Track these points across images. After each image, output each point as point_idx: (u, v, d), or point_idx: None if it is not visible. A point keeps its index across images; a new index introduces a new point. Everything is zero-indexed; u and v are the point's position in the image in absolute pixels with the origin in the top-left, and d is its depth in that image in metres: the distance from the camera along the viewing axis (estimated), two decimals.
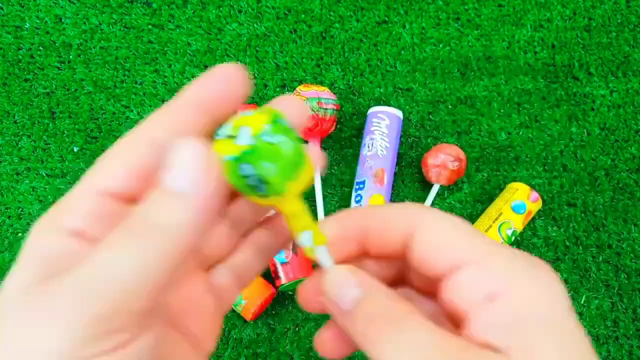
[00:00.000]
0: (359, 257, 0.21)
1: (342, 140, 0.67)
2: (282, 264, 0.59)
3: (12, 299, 0.16)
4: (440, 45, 0.71)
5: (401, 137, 0.67)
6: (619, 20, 0.72)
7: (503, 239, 0.58)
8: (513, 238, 0.58)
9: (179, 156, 0.17)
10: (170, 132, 0.18)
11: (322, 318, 0.60)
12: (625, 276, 0.62)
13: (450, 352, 0.17)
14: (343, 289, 0.19)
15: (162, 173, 0.17)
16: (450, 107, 0.68)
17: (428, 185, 0.64)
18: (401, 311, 0.18)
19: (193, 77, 0.69)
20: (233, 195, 0.22)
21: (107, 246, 0.16)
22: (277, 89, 0.69)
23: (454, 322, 0.19)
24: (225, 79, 0.20)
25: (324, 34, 0.71)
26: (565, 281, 0.61)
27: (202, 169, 0.17)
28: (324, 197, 0.64)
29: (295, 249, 0.59)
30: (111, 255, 0.16)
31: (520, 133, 0.67)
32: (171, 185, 0.17)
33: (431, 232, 0.19)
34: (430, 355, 0.17)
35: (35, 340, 0.15)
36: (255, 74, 0.70)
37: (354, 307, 0.19)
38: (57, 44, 0.70)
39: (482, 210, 0.63)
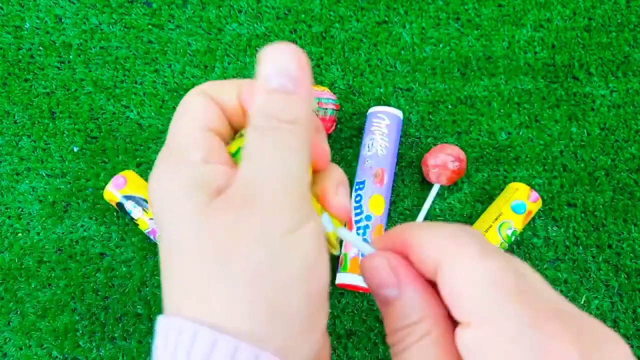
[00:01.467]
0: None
1: (342, 140, 0.67)
2: None
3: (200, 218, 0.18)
4: (440, 45, 0.71)
5: (401, 137, 0.67)
6: (619, 20, 0.72)
7: (503, 239, 0.58)
8: (513, 238, 0.59)
9: (273, 60, 0.20)
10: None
11: None
12: (625, 276, 0.62)
13: None
14: (382, 287, 0.20)
15: (264, 79, 0.20)
16: (450, 107, 0.68)
17: (428, 185, 0.64)
18: (416, 332, 0.19)
19: (193, 77, 0.69)
20: None
21: (253, 152, 0.19)
22: None
23: None
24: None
25: (324, 34, 0.71)
26: (565, 281, 0.62)
27: (298, 66, 0.20)
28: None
29: None
30: (262, 157, 0.19)
31: (520, 133, 0.67)
32: (278, 86, 0.19)
33: (451, 278, 0.18)
34: None
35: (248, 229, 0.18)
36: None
37: (386, 307, 0.20)
38: (57, 44, 0.70)
39: (482, 210, 0.63)
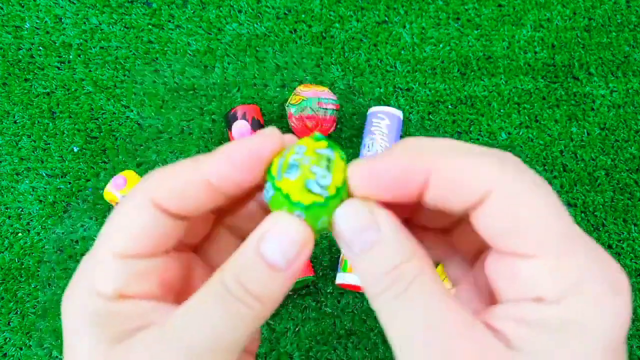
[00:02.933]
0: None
1: (342, 140, 0.67)
2: None
3: None
4: (440, 45, 0.71)
5: (401, 137, 0.67)
6: (619, 20, 0.72)
7: None
8: None
9: (278, 229, 0.18)
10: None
11: (322, 318, 0.60)
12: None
13: (458, 325, 0.16)
14: (357, 231, 0.18)
15: (259, 240, 0.17)
16: (450, 107, 0.68)
17: None
18: (412, 269, 0.17)
19: (193, 77, 0.69)
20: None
21: (200, 304, 0.17)
22: (277, 89, 0.69)
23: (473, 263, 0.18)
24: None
25: (324, 34, 0.71)
26: None
27: (299, 249, 0.17)
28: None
29: None
30: (206, 314, 0.17)
31: (520, 133, 0.67)
32: (268, 256, 0.17)
33: (512, 204, 0.16)
34: (434, 331, 0.16)
35: None
36: (255, 74, 0.70)
37: (365, 251, 0.17)
38: (57, 44, 0.70)
39: None
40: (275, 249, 0.17)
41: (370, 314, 0.60)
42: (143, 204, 0.18)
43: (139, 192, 0.18)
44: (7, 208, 0.64)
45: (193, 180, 0.18)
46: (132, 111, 0.68)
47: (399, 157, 0.17)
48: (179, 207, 0.18)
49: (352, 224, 0.18)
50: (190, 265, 0.21)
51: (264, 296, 0.17)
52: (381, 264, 0.17)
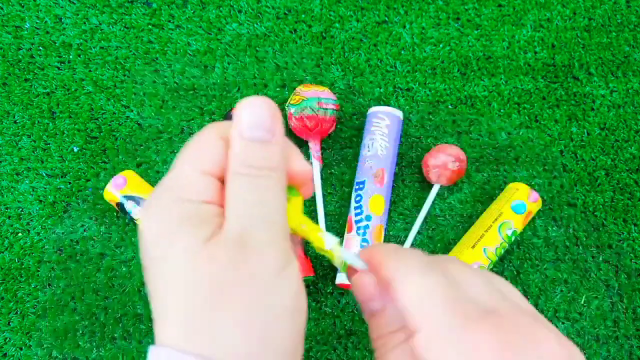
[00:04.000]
0: None
1: (342, 140, 0.67)
2: None
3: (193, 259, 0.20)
4: (440, 45, 0.71)
5: (401, 137, 0.67)
6: (619, 20, 0.72)
7: (503, 238, 0.58)
8: (513, 238, 0.59)
9: (247, 113, 0.22)
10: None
11: (322, 318, 0.60)
12: (625, 276, 0.62)
13: None
14: (369, 300, 0.24)
15: (239, 129, 0.22)
16: (450, 107, 0.68)
17: (428, 186, 0.64)
18: (394, 341, 0.23)
19: (193, 77, 0.69)
20: None
21: (245, 199, 0.21)
22: (277, 89, 0.69)
23: None
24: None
25: (324, 34, 0.71)
26: (565, 281, 0.62)
27: (272, 117, 0.22)
28: (324, 197, 0.64)
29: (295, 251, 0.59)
30: (245, 202, 0.21)
31: (520, 133, 0.67)
32: (252, 137, 0.21)
33: (399, 293, 0.22)
34: None
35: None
36: (255, 74, 0.70)
37: (369, 317, 0.24)
38: (57, 44, 0.70)
39: (482, 210, 0.63)
40: (257, 130, 0.21)
41: None
42: (216, 137, 0.22)
43: (213, 128, 0.23)
44: (7, 208, 0.64)
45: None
46: (132, 111, 0.68)
47: (371, 259, 0.25)
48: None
49: (364, 294, 0.25)
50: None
51: (274, 165, 0.22)
52: (380, 327, 0.25)
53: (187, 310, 0.19)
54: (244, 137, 0.21)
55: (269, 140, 0.22)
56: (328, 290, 0.61)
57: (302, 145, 0.66)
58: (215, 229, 0.20)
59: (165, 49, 0.70)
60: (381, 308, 0.24)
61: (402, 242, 0.63)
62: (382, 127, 0.63)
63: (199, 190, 0.21)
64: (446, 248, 0.63)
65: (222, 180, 0.22)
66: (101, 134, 0.67)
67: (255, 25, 0.72)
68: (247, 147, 0.21)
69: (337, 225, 0.63)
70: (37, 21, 0.71)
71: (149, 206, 0.21)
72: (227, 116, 0.64)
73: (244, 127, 0.21)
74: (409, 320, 0.21)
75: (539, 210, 0.63)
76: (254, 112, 0.22)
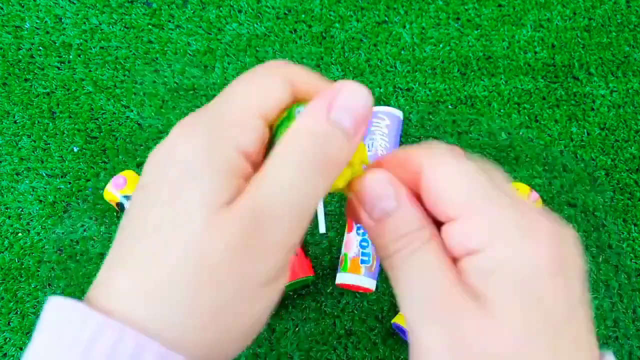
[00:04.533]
0: None
1: None
2: None
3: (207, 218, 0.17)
4: (440, 45, 0.71)
5: (401, 137, 0.67)
6: (619, 20, 0.72)
7: None
8: None
9: (351, 96, 0.19)
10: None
11: (322, 318, 0.60)
12: (625, 276, 0.62)
13: (446, 292, 0.19)
14: (380, 199, 0.20)
15: (329, 108, 0.19)
16: (450, 107, 0.68)
17: None
18: (422, 237, 0.20)
19: (193, 77, 0.69)
20: None
21: (288, 169, 0.18)
22: None
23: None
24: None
25: (324, 34, 0.71)
26: None
27: (367, 116, 0.19)
28: (324, 197, 0.64)
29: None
30: (298, 192, 0.18)
31: (520, 133, 0.67)
32: (341, 121, 0.19)
33: (434, 182, 0.20)
34: (431, 291, 0.19)
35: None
36: None
37: (383, 218, 0.20)
38: (57, 44, 0.70)
39: None
40: (347, 116, 0.19)
41: (370, 314, 0.60)
42: (282, 82, 0.20)
43: (279, 69, 0.20)
44: (7, 208, 0.64)
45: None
46: (132, 111, 0.68)
47: (400, 155, 0.21)
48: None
49: (375, 191, 0.20)
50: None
51: (338, 163, 0.19)
52: (396, 229, 0.20)
53: (168, 282, 0.17)
54: (329, 118, 0.19)
55: (350, 134, 0.19)
56: (328, 290, 0.61)
57: None
58: (234, 194, 0.18)
59: (165, 49, 0.70)
60: (396, 207, 0.20)
61: None
62: (382, 127, 0.63)
63: (248, 140, 0.19)
64: None
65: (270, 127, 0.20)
66: (101, 134, 0.67)
67: (255, 25, 0.72)
68: (329, 129, 0.18)
69: (337, 225, 0.63)
70: (37, 21, 0.71)
71: (185, 125, 0.19)
72: None
73: (337, 105, 0.19)
74: (443, 209, 0.19)
75: None
76: (355, 98, 0.19)
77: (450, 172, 0.19)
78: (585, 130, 0.67)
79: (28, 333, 0.60)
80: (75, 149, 0.66)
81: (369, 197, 0.21)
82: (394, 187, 0.20)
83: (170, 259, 0.17)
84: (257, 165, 0.19)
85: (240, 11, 0.72)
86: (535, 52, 0.70)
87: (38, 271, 0.62)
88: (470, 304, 0.18)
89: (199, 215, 0.17)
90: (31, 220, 0.64)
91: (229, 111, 0.19)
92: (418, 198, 0.21)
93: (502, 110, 0.68)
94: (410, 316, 0.20)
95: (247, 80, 0.20)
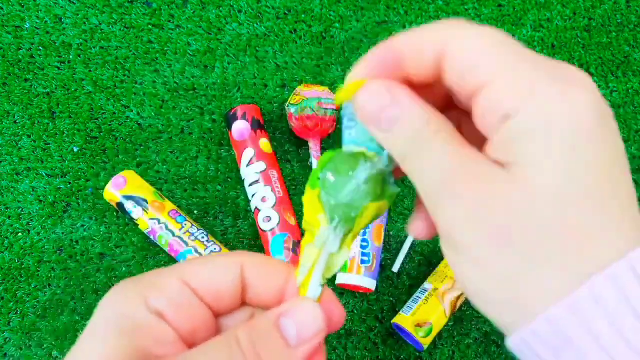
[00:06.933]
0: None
1: (342, 140, 0.67)
2: None
3: None
4: None
5: None
6: (619, 20, 0.72)
7: None
8: None
9: (300, 310, 0.20)
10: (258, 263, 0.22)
11: None
12: None
13: (462, 167, 0.18)
14: (382, 110, 0.20)
15: (280, 314, 0.20)
16: None
17: None
18: (430, 131, 0.19)
19: (193, 77, 0.69)
20: None
21: (209, 349, 0.19)
22: (277, 89, 0.69)
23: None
24: None
25: (324, 34, 0.71)
26: None
27: (314, 333, 0.20)
28: None
29: (295, 249, 0.59)
30: (212, 358, 0.18)
31: None
32: (284, 330, 0.19)
33: (460, 51, 0.19)
34: (446, 169, 0.18)
35: None
36: (255, 74, 0.70)
37: (391, 126, 0.20)
38: (57, 44, 0.70)
39: None
40: (292, 326, 0.20)
41: (370, 314, 0.60)
42: (230, 263, 0.21)
43: (231, 257, 0.21)
44: (7, 208, 0.64)
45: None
46: (132, 111, 0.68)
47: (413, 36, 0.20)
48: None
49: (375, 104, 0.20)
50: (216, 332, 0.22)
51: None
52: (404, 133, 0.19)
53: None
54: (276, 325, 0.20)
55: (290, 346, 0.20)
56: None
57: (302, 145, 0.66)
58: (129, 353, 0.18)
59: (165, 49, 0.70)
60: (400, 112, 0.19)
61: (402, 242, 0.63)
62: None
63: (161, 301, 0.20)
64: None
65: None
66: (101, 134, 0.67)
67: (255, 25, 0.72)
68: (270, 331, 0.20)
69: None
70: (37, 21, 0.71)
71: (112, 291, 0.20)
72: (227, 116, 0.64)
73: (284, 320, 0.20)
74: (472, 78, 0.18)
75: None
76: (304, 316, 0.20)
77: (475, 40, 0.18)
78: None
79: (28, 333, 0.60)
80: (75, 149, 0.66)
81: (371, 113, 0.20)
82: (391, 93, 0.20)
83: None
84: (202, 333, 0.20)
85: (240, 11, 0.72)
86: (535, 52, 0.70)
87: (38, 271, 0.62)
88: (493, 172, 0.18)
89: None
90: (31, 220, 0.64)
91: (151, 274, 0.20)
92: (433, 87, 0.21)
93: None
94: (431, 208, 0.19)
95: (202, 259, 0.21)
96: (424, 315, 0.56)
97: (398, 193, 0.22)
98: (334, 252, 0.22)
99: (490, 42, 0.18)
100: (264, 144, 0.63)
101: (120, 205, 0.60)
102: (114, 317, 0.18)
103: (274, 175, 0.62)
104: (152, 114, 0.68)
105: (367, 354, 0.59)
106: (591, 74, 0.70)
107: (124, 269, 0.61)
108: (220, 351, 0.18)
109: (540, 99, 0.17)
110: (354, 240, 0.22)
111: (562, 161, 0.17)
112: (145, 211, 0.59)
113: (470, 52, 0.18)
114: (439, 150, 0.19)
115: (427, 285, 0.59)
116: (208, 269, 0.21)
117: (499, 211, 0.17)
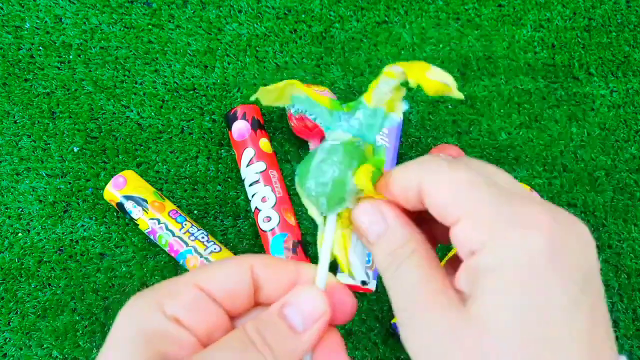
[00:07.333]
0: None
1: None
2: None
3: None
4: (440, 45, 0.71)
5: (401, 137, 0.67)
6: (619, 20, 0.72)
7: None
8: None
9: (303, 298, 0.22)
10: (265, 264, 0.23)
11: None
12: (625, 276, 0.62)
13: (425, 295, 0.20)
14: (371, 224, 0.23)
15: (284, 304, 0.21)
16: (450, 107, 0.68)
17: None
18: (405, 252, 0.22)
19: (193, 77, 0.69)
20: None
21: (222, 347, 0.20)
22: None
23: None
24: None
25: (324, 34, 0.71)
26: None
27: (316, 318, 0.21)
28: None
29: (295, 249, 0.59)
30: (225, 355, 0.20)
31: (520, 133, 0.67)
32: (289, 318, 0.21)
33: (434, 191, 0.21)
34: (412, 295, 0.21)
35: None
36: (255, 74, 0.70)
37: (376, 240, 0.23)
38: (57, 44, 0.70)
39: None
40: (296, 313, 0.21)
41: (370, 314, 0.60)
42: (240, 265, 0.22)
43: (240, 259, 0.23)
44: (7, 208, 0.64)
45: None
46: (132, 111, 0.68)
47: (399, 177, 0.23)
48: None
49: (365, 219, 0.23)
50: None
51: (279, 351, 0.20)
52: (385, 248, 0.22)
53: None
54: (280, 314, 0.22)
55: (297, 332, 0.22)
56: None
57: (302, 145, 0.66)
58: (174, 355, 0.20)
59: (165, 49, 0.70)
60: (385, 228, 0.23)
61: None
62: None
63: (177, 306, 0.21)
64: (446, 247, 0.63)
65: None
66: (101, 134, 0.67)
67: (255, 25, 0.72)
68: (275, 321, 0.22)
69: None
70: (37, 21, 0.71)
71: (129, 302, 0.21)
72: (227, 116, 0.64)
73: (288, 309, 0.22)
74: (446, 216, 0.20)
75: None
76: (306, 304, 0.22)
77: (447, 182, 0.21)
78: (585, 131, 0.67)
79: (28, 333, 0.60)
80: (75, 149, 0.66)
81: (362, 226, 0.23)
82: (380, 212, 0.23)
83: None
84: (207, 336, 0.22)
85: (240, 11, 0.72)
86: (535, 52, 0.70)
87: (38, 271, 0.62)
88: (452, 306, 0.19)
89: None
90: (31, 220, 0.64)
91: (167, 283, 0.22)
92: (424, 212, 0.23)
93: (502, 110, 0.68)
94: (399, 323, 0.21)
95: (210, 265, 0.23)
96: None
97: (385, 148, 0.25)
98: (338, 231, 0.24)
99: (461, 181, 0.20)
100: (264, 144, 0.63)
101: (120, 205, 0.60)
102: (133, 326, 0.19)
103: (274, 175, 0.62)
104: (152, 114, 0.68)
105: (367, 354, 0.59)
106: (591, 74, 0.70)
107: (124, 269, 0.61)
108: (232, 346, 0.20)
109: (499, 242, 0.19)
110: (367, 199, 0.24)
111: (510, 301, 0.18)
112: (145, 211, 0.59)
113: (441, 192, 0.21)
114: (409, 272, 0.21)
115: None
116: (220, 272, 0.22)
117: (451, 349, 0.19)
